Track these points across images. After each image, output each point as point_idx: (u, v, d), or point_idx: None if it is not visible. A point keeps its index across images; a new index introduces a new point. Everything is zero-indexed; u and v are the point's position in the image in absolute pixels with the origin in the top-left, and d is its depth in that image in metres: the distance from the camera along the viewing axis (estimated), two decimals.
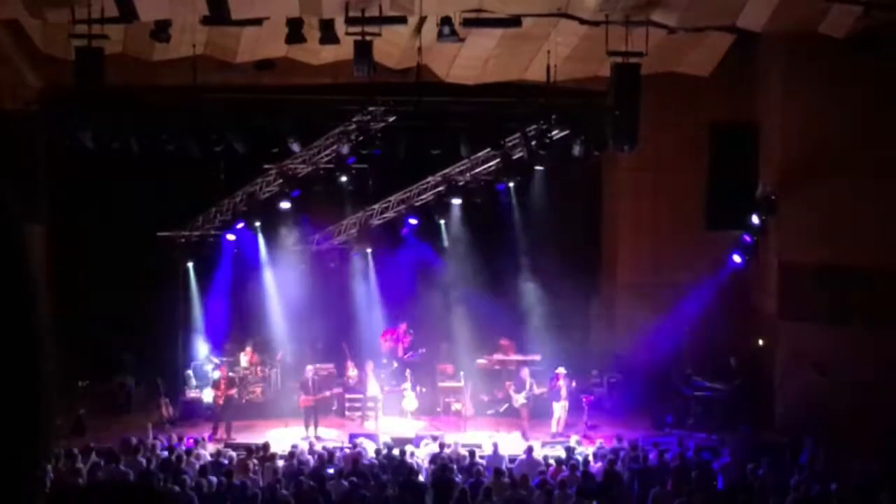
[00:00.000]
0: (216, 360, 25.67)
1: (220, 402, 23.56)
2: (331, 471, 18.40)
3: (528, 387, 23.41)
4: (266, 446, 20.23)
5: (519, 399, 23.32)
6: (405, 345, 26.39)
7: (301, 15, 19.93)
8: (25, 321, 1.65)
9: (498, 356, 26.23)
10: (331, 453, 19.89)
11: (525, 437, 22.83)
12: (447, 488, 17.05)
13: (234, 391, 23.97)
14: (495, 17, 20.36)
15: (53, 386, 1.65)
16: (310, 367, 24.48)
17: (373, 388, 24.35)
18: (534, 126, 23.83)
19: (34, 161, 22.92)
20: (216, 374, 24.60)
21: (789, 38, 22.91)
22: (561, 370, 23.71)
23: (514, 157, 24.69)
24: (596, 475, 18.07)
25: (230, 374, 24.40)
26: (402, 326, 26.61)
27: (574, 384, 23.78)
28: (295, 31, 20.07)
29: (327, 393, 24.32)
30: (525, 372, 23.76)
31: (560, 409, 23.43)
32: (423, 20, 20.74)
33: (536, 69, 23.06)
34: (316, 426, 23.50)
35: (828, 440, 20.25)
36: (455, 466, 18.66)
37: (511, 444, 21.97)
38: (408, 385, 24.87)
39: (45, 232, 24.74)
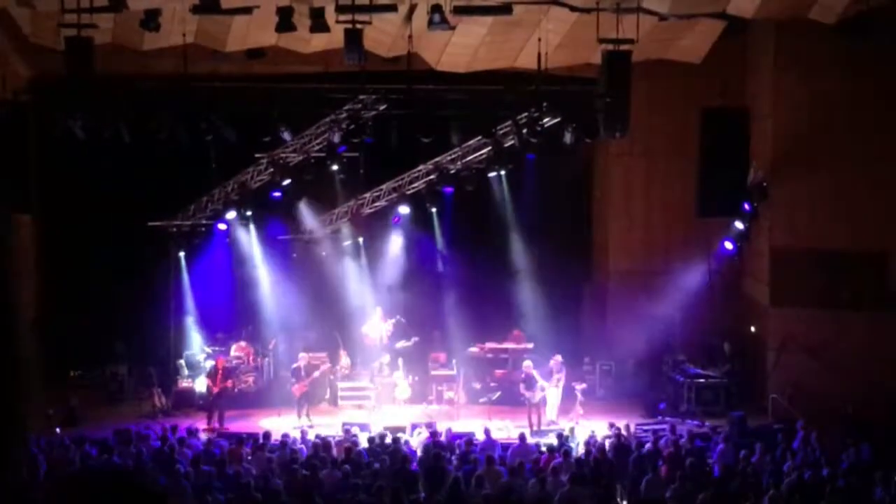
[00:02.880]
0: (208, 350, 25.66)
1: (216, 391, 23.56)
2: (323, 459, 18.38)
3: (539, 381, 23.24)
4: (267, 435, 20.22)
5: (538, 395, 23.18)
6: (388, 331, 26.35)
7: (291, 3, 19.87)
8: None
9: (491, 344, 26.24)
10: (324, 442, 19.88)
11: (532, 428, 22.70)
12: (440, 476, 17.05)
13: (230, 382, 24.01)
14: (486, 5, 20.30)
15: (28, 390, 1.64)
16: (303, 355, 24.52)
17: (402, 389, 24.45)
18: (525, 114, 23.81)
19: (24, 150, 22.84)
20: (208, 364, 24.59)
21: (780, 25, 22.94)
22: (558, 357, 23.71)
23: (506, 144, 24.66)
24: (588, 462, 18.07)
25: (227, 365, 24.42)
26: (379, 313, 26.54)
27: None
28: (285, 20, 20.00)
29: (316, 374, 24.35)
30: (528, 365, 23.58)
31: (555, 396, 23.44)
32: (413, 8, 20.69)
33: (527, 57, 23.02)
34: (308, 413, 23.58)
35: (820, 425, 20.29)
36: (448, 454, 18.65)
37: (504, 432, 22.00)
38: (400, 373, 24.88)
39: (36, 222, 24.68)
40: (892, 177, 23.19)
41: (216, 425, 23.02)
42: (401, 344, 25.94)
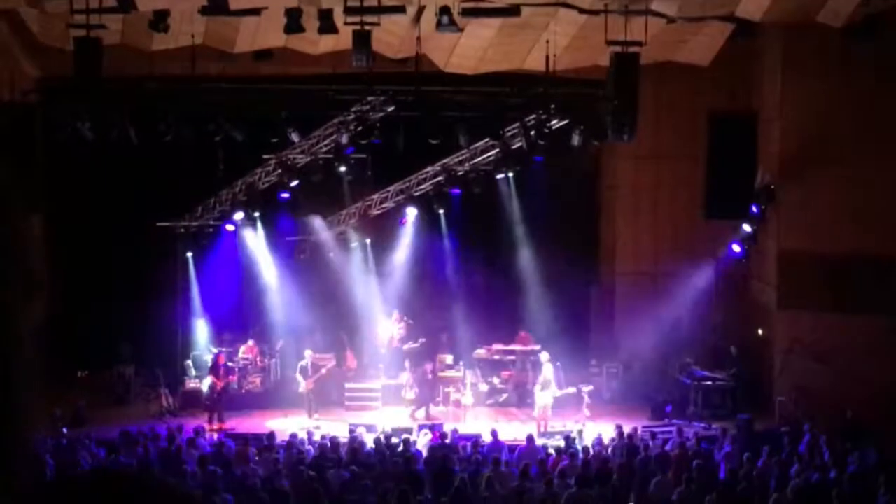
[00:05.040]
0: (215, 350, 25.68)
1: (220, 386, 23.66)
2: (330, 460, 18.41)
3: (553, 383, 23.18)
4: (274, 435, 20.26)
5: (546, 396, 23.12)
6: (401, 333, 26.41)
7: (300, 5, 19.92)
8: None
9: (498, 346, 26.25)
10: (331, 443, 19.92)
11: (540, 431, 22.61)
12: (446, 478, 17.06)
13: (234, 378, 24.10)
14: (494, 7, 20.33)
15: (32, 384, 1.64)
16: (308, 352, 24.55)
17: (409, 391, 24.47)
18: (533, 116, 23.80)
19: (33, 151, 22.90)
20: (210, 360, 24.68)
21: (788, 27, 22.91)
22: (546, 355, 23.69)
23: (514, 146, 24.66)
24: (595, 465, 18.07)
25: (228, 362, 24.53)
26: (395, 315, 26.64)
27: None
28: (293, 21, 20.05)
29: (323, 370, 24.40)
30: (550, 369, 23.52)
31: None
32: (421, 9, 20.71)
33: (535, 59, 23.04)
34: (316, 410, 23.69)
35: (827, 428, 20.27)
36: (454, 456, 18.66)
37: (511, 434, 21.99)
38: (406, 375, 24.91)
39: (45, 222, 24.70)
40: None
41: (218, 424, 23.07)
42: (408, 346, 26.02)
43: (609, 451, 19.39)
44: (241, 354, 25.65)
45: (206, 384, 24.43)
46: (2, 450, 1.60)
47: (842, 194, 23.47)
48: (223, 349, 25.70)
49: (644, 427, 22.17)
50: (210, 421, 23.10)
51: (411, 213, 26.76)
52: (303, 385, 23.97)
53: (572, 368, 24.46)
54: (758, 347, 25.33)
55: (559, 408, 23.27)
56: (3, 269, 1.60)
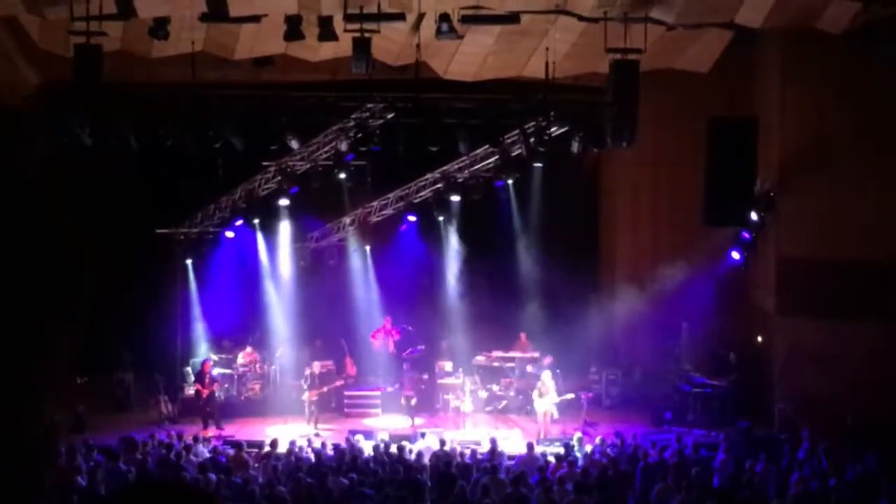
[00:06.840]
0: (214, 357, 25.69)
1: (205, 394, 23.72)
2: (329, 467, 18.39)
3: (552, 389, 23.11)
4: (273, 442, 20.23)
5: (545, 403, 23.03)
6: (395, 338, 26.40)
7: (300, 12, 19.91)
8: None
9: (497, 353, 26.24)
10: (330, 449, 19.90)
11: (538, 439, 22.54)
12: (446, 485, 17.04)
13: (217, 385, 24.17)
14: (494, 14, 20.34)
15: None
16: (316, 364, 24.55)
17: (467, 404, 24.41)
18: (532, 123, 23.82)
19: (31, 157, 22.88)
20: (217, 370, 24.70)
21: (787, 35, 22.91)
22: (550, 358, 23.66)
23: (513, 153, 24.66)
24: (594, 472, 18.06)
25: (227, 369, 24.55)
26: (387, 320, 26.64)
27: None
28: (293, 28, 20.05)
29: (324, 388, 24.38)
30: (548, 374, 23.45)
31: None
32: (421, 17, 20.73)
33: (535, 66, 23.05)
34: (317, 421, 23.62)
35: (826, 435, 20.25)
36: (454, 463, 18.65)
37: (510, 441, 21.98)
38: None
39: None
40: None
41: (217, 431, 23.06)
42: (406, 352, 26.03)
43: (608, 458, 19.36)
44: (240, 361, 25.65)
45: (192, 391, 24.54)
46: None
47: (841, 201, 23.45)
48: (223, 356, 25.73)
49: (643, 434, 22.15)
50: (205, 428, 23.10)
51: (411, 220, 26.77)
52: (306, 393, 23.94)
53: (572, 375, 24.43)
54: (757, 354, 25.31)
55: (559, 414, 23.26)
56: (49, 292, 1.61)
